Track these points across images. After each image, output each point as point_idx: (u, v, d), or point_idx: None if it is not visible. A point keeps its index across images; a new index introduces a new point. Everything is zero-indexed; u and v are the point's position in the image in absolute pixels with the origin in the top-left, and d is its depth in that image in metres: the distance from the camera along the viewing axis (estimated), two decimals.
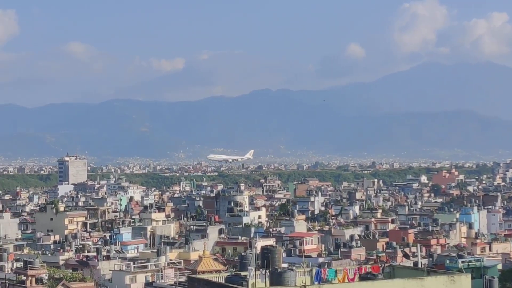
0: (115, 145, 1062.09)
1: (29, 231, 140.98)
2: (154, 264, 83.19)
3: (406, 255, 72.66)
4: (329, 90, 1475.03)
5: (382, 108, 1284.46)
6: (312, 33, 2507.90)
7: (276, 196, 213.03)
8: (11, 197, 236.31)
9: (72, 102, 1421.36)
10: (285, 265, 47.49)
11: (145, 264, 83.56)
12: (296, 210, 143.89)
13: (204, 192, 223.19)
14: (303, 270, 45.28)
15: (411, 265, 56.91)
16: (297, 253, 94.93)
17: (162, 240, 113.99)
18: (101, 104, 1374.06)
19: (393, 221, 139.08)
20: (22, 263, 78.33)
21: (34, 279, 71.56)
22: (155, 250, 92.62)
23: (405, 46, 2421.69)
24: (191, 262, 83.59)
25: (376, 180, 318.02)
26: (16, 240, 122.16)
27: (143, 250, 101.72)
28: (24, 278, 72.26)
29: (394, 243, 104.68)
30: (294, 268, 46.11)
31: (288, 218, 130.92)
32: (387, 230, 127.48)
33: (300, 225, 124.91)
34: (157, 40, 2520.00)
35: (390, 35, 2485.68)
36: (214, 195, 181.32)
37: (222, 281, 41.93)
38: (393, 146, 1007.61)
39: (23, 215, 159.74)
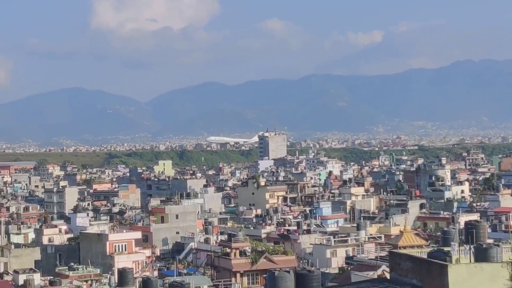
0: (313, 120, 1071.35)
1: (232, 205, 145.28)
2: (354, 239, 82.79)
3: None
4: None
5: None
6: None
7: (479, 170, 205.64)
8: (214, 172, 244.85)
9: (271, 78, 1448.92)
10: (490, 241, 45.15)
11: (345, 238, 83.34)
12: (501, 185, 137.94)
13: (404, 166, 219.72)
14: (510, 246, 42.82)
15: None
16: (503, 228, 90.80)
17: (362, 215, 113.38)
18: (300, 79, 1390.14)
19: None
20: (226, 236, 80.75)
21: (238, 252, 73.48)
22: (355, 225, 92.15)
23: None
24: (392, 236, 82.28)
25: None
26: (220, 213, 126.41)
27: (342, 225, 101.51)
28: (228, 250, 74.38)
29: None
30: (500, 244, 43.72)
31: (493, 193, 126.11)
32: None
33: (506, 199, 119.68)
34: (354, 14, 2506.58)
35: None
36: (414, 169, 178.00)
37: (425, 256, 40.62)
38: None
39: (226, 190, 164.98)
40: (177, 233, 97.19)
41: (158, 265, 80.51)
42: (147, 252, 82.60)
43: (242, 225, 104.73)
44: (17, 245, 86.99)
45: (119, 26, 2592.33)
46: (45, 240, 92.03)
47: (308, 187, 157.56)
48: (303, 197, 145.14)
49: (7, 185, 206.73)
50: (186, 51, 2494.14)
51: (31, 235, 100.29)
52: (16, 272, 64.64)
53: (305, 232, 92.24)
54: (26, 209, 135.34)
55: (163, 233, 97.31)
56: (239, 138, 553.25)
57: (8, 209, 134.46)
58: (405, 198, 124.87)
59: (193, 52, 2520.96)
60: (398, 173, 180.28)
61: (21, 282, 61.67)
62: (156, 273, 73.22)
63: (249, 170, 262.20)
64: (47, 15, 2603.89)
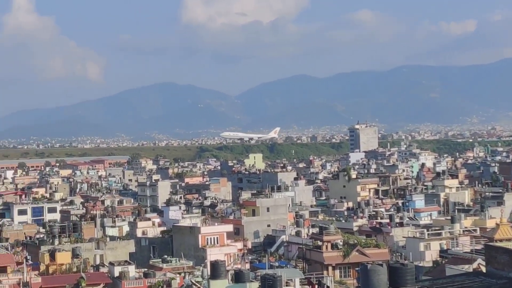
0: (404, 111, 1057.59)
1: (323, 197, 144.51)
2: (449, 232, 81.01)
3: None
4: None
5: None
6: None
7: None
8: (305, 165, 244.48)
9: (361, 70, 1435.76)
10: None
11: (439, 231, 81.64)
12: None
13: (499, 157, 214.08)
14: None
15: None
16: None
17: (456, 207, 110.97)
18: (390, 71, 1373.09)
19: None
20: (317, 229, 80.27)
21: (329, 244, 72.94)
22: (449, 217, 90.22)
23: None
24: (487, 229, 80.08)
25: None
26: (311, 206, 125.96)
27: (436, 217, 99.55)
28: (320, 243, 73.91)
29: None
30: None
31: None
32: None
33: None
34: (446, 2, 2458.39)
35: None
36: (510, 160, 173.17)
37: None
38: None
39: (316, 183, 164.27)
40: (268, 226, 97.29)
41: (249, 257, 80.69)
42: (239, 245, 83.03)
43: (333, 218, 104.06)
44: (112, 238, 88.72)
45: (209, 20, 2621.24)
46: (139, 233, 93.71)
47: (400, 179, 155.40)
48: (395, 189, 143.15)
49: (102, 179, 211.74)
50: (275, 45, 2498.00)
51: (126, 228, 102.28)
52: (111, 264, 65.93)
53: (397, 225, 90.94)
54: (120, 202, 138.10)
55: (254, 226, 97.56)
56: (254, 134, 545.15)
57: (103, 202, 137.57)
58: (500, 190, 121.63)
59: (282, 45, 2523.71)
60: (493, 164, 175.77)
61: (116, 274, 62.84)
62: (247, 265, 73.36)
63: (340, 162, 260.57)
64: (138, 11, 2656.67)
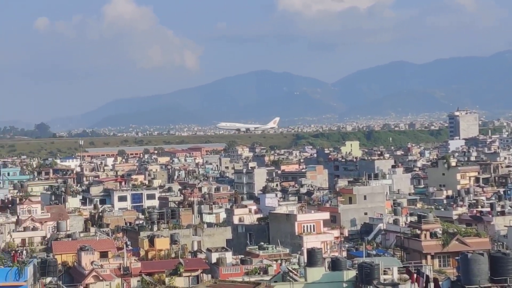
0: (506, 98, 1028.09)
1: (421, 185, 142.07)
2: None
3: None
4: None
5: None
6: None
7: None
8: (402, 152, 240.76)
9: (461, 56, 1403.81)
10: None
11: None
12: None
13: None
14: None
15: None
16: None
17: None
18: (492, 56, 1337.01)
19: None
20: (415, 217, 78.82)
21: (428, 233, 71.47)
22: None
23: None
24: None
25: None
26: (409, 194, 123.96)
27: None
28: (418, 231, 72.54)
29: None
30: None
31: None
32: None
33: None
34: None
35: None
36: None
37: None
38: None
39: (415, 170, 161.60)
40: (365, 214, 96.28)
41: (346, 245, 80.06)
42: (335, 232, 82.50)
43: (432, 207, 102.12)
44: (209, 225, 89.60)
45: (305, 7, 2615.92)
46: (235, 220, 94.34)
47: (502, 167, 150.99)
48: (496, 177, 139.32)
49: (199, 166, 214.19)
50: (372, 31, 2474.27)
51: (222, 215, 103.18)
52: (209, 250, 66.53)
53: (499, 214, 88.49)
54: (217, 189, 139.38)
55: (351, 214, 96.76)
56: (251, 125, 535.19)
57: (200, 189, 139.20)
58: None
59: (380, 31, 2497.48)
60: None
61: (213, 260, 63.37)
62: (344, 253, 72.74)
63: (439, 150, 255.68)
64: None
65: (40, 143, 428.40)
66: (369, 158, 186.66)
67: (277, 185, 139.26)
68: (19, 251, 64.57)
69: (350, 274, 49.83)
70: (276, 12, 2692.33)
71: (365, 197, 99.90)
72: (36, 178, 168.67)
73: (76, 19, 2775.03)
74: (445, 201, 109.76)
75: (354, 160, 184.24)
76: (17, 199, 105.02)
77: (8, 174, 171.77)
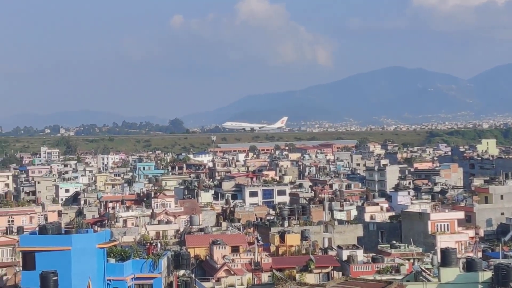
0: None
1: None
2: None
3: None
4: None
5: None
6: None
7: None
8: None
9: None
10: None
11: None
12: None
13: None
14: None
15: None
16: None
17: None
18: None
19: None
20: None
21: None
22: None
23: None
24: None
25: None
26: None
27: None
28: None
29: None
30: None
31: None
32: None
33: None
34: None
35: None
36: None
37: None
38: None
39: None
40: (502, 214, 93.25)
41: (482, 246, 77.60)
42: (470, 232, 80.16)
43: None
44: (340, 222, 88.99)
45: (441, 2, 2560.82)
46: (367, 218, 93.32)
47: None
48: None
49: (330, 163, 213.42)
50: (510, 26, 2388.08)
51: (353, 212, 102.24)
52: (339, 247, 65.98)
53: None
54: (348, 186, 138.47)
55: (486, 214, 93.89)
56: (257, 124, 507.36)
57: (331, 186, 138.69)
58: None
59: None
60: None
61: (344, 257, 62.79)
62: (480, 254, 70.57)
63: None
64: None
65: (174, 139, 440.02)
66: (506, 156, 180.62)
67: (409, 183, 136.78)
68: (153, 244, 66.22)
69: (486, 275, 48.07)
70: (410, 7, 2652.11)
71: (502, 197, 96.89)
72: (170, 173, 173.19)
73: (210, 17, 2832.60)
74: None
75: (491, 158, 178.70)
76: (152, 193, 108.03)
77: (144, 168, 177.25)
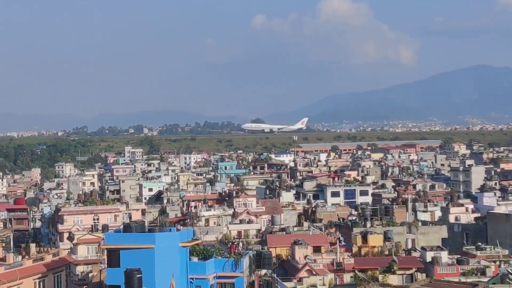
0: None
1: None
2: None
3: None
4: None
5: None
6: None
7: None
8: None
9: None
10: None
11: None
12: None
13: None
14: None
15: None
16: None
17: None
18: None
19: None
20: None
21: None
22: None
23: None
24: None
25: None
26: None
27: None
28: None
29: None
30: None
31: None
32: None
33: None
34: None
35: None
36: None
37: None
38: None
39: None
40: None
41: None
42: None
43: None
44: (424, 223, 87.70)
45: None
46: (451, 219, 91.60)
47: None
48: None
49: (413, 163, 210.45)
50: None
51: (438, 213, 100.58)
52: (423, 249, 64.93)
53: None
54: (432, 187, 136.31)
55: None
56: (276, 125, 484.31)
57: (414, 187, 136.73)
58: None
59: None
60: None
61: (428, 259, 61.79)
62: None
63: None
64: None
65: (255, 138, 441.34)
66: None
67: (496, 183, 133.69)
68: (235, 243, 66.52)
69: None
70: (497, 5, 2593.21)
71: None
72: (252, 172, 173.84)
73: (292, 17, 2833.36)
74: None
75: None
76: (234, 192, 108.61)
77: (225, 168, 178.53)
